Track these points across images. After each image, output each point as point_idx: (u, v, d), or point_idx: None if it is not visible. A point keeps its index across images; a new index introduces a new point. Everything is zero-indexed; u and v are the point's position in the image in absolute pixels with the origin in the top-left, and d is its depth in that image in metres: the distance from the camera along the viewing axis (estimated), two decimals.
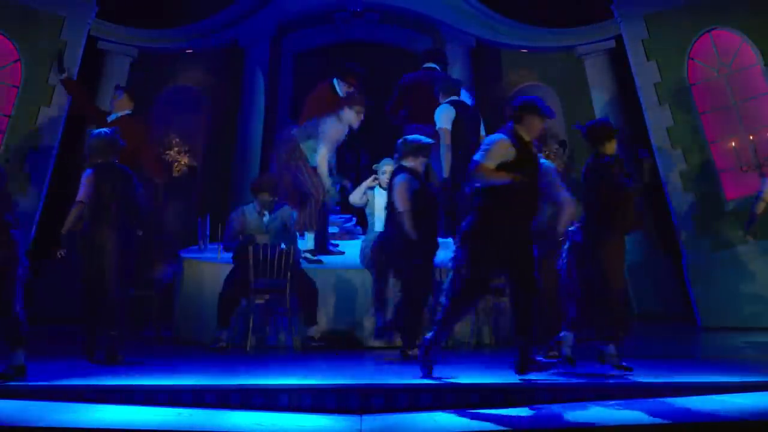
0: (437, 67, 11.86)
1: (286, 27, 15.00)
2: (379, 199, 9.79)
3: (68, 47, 12.96)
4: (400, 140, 9.23)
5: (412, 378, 7.42)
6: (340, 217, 12.22)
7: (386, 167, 9.88)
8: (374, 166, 10.24)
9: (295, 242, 10.11)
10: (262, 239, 9.83)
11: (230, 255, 10.11)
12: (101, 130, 9.33)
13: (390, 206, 9.06)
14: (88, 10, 13.11)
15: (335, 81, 10.90)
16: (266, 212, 10.07)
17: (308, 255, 10.40)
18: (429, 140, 9.32)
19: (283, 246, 9.75)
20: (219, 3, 14.60)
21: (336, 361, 8.46)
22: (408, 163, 9.05)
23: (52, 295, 13.57)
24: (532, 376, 7.46)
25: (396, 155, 9.19)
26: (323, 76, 11.67)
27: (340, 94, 10.79)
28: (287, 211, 10.28)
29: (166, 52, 14.60)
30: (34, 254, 12.83)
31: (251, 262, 9.60)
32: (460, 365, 8.30)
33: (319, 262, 10.41)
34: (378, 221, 9.75)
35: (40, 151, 12.80)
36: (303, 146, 10.52)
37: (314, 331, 9.79)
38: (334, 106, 10.59)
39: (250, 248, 9.64)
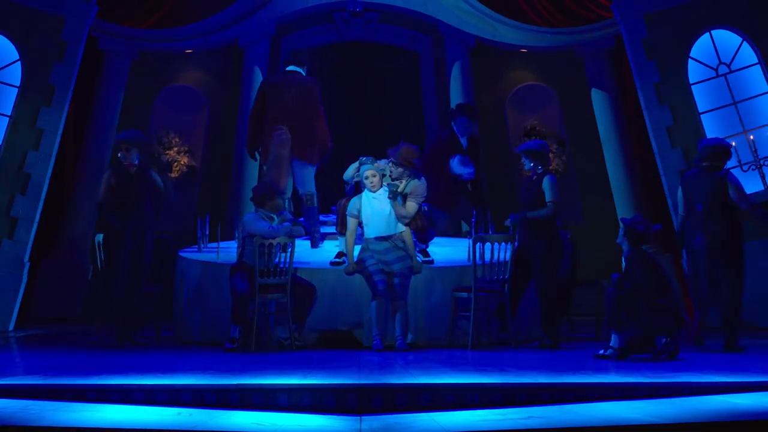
0: (453, 123, 11.77)
1: (286, 27, 15.01)
2: (375, 203, 9.69)
3: (68, 47, 12.98)
4: (702, 145, 9.84)
5: (412, 378, 7.43)
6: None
7: (367, 172, 9.77)
8: (346, 177, 10.32)
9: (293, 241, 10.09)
10: (281, 240, 9.73)
11: (229, 255, 10.05)
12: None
13: (725, 203, 9.62)
14: (88, 10, 13.13)
15: (292, 68, 11.11)
16: (275, 216, 10.00)
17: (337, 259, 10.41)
18: (728, 143, 9.98)
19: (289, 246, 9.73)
20: (219, 3, 14.62)
21: (336, 360, 8.45)
22: (710, 164, 9.68)
23: (52, 295, 13.59)
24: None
25: (698, 158, 9.82)
26: (323, 75, 11.65)
27: (304, 74, 11.09)
28: (287, 215, 10.28)
29: (166, 52, 14.61)
30: (33, 254, 12.88)
31: (265, 260, 9.57)
32: (459, 365, 8.29)
33: (341, 263, 10.33)
34: (371, 227, 9.65)
35: (40, 151, 12.80)
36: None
37: (299, 331, 9.81)
38: (311, 88, 10.93)
39: (258, 247, 9.59)
